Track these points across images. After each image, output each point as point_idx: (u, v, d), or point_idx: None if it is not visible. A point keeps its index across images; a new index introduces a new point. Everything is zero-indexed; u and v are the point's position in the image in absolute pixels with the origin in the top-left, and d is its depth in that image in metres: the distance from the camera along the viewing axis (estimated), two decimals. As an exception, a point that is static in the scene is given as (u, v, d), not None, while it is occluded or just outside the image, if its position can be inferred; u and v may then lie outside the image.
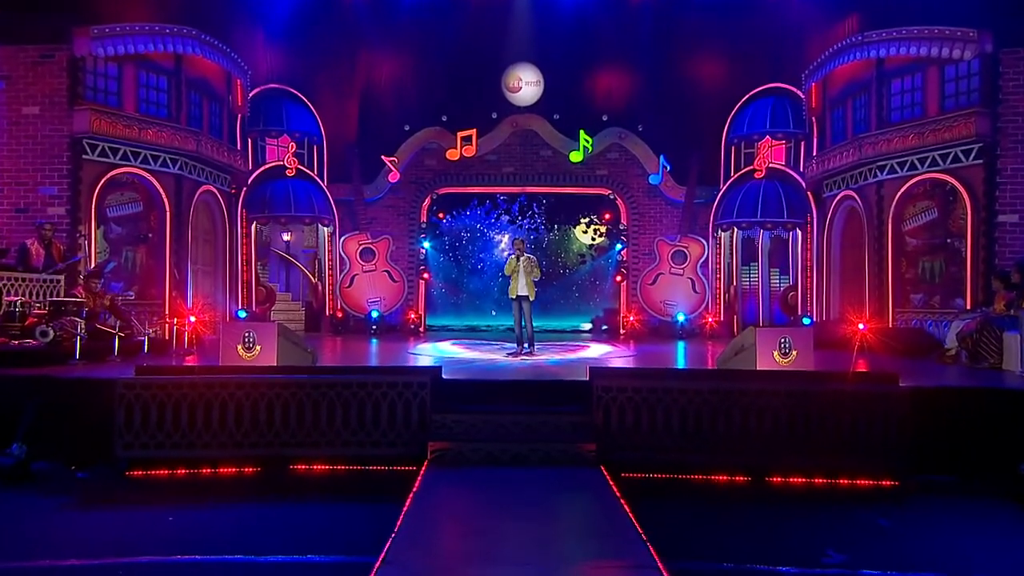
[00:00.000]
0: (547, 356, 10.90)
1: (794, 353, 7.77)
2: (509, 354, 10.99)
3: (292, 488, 6.66)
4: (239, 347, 7.79)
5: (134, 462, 6.80)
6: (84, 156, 11.66)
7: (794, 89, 15.26)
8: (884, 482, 6.66)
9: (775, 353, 7.76)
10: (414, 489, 5.76)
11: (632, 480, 6.60)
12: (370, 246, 16.04)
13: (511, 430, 6.95)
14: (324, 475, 6.94)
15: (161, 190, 12.64)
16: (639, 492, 6.08)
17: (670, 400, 6.90)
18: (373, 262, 16.01)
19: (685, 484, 6.76)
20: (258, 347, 7.78)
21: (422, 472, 6.32)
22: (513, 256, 10.86)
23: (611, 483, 5.97)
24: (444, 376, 7.58)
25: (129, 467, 6.80)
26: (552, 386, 7.96)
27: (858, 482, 6.69)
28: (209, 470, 6.86)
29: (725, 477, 6.83)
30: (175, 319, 10.84)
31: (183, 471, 6.82)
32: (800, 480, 6.75)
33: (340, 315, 15.79)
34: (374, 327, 15.38)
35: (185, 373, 7.46)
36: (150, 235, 12.71)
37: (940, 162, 11.93)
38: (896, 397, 6.80)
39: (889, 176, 12.60)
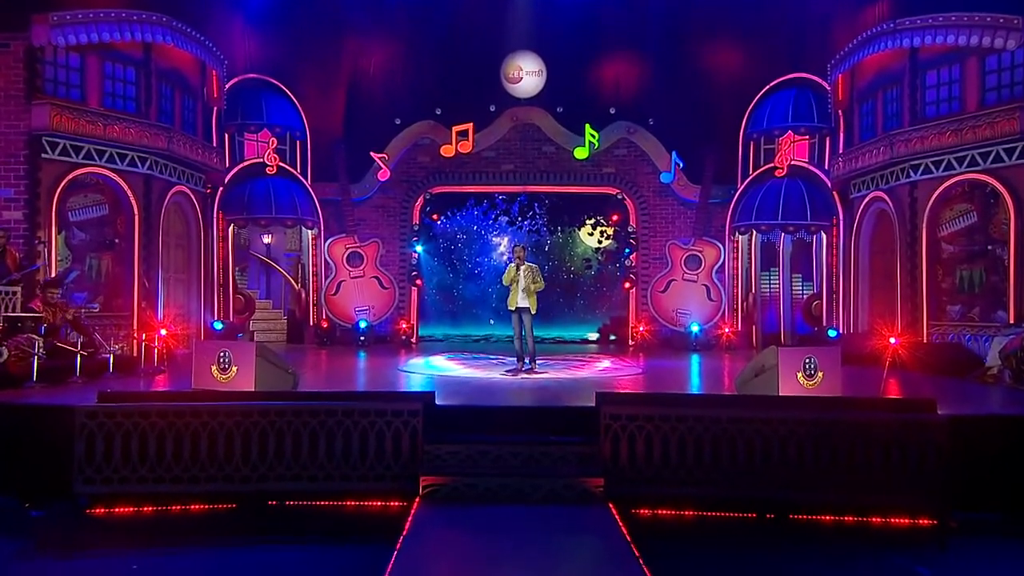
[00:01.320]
0: (550, 374, 10.78)
1: (820, 375, 7.67)
2: (508, 371, 10.88)
3: (271, 527, 6.60)
4: (213, 368, 7.70)
5: (96, 498, 6.69)
6: (43, 155, 11.54)
7: (819, 80, 15.17)
8: (921, 521, 6.57)
9: (799, 375, 7.66)
10: (404, 531, 5.67)
11: (643, 518, 6.56)
12: (358, 250, 15.94)
13: (511, 463, 6.86)
14: (306, 512, 6.85)
15: (129, 191, 12.54)
16: (650, 532, 6.03)
17: (685, 429, 6.79)
18: (361, 267, 15.91)
19: (701, 522, 6.67)
20: (234, 368, 7.68)
21: (413, 510, 6.23)
22: (512, 264, 10.74)
23: (620, 524, 5.89)
24: (438, 402, 7.48)
25: (90, 504, 6.69)
26: (556, 413, 7.84)
27: (892, 521, 6.60)
28: (179, 507, 6.77)
29: (745, 514, 6.73)
30: (144, 334, 10.72)
31: (150, 508, 6.72)
32: (828, 518, 6.66)
33: (325, 325, 15.70)
34: (362, 338, 15.29)
35: (153, 399, 7.36)
36: (117, 241, 12.61)
37: (980, 161, 11.82)
38: (934, 426, 6.69)
39: (923, 176, 12.51)
